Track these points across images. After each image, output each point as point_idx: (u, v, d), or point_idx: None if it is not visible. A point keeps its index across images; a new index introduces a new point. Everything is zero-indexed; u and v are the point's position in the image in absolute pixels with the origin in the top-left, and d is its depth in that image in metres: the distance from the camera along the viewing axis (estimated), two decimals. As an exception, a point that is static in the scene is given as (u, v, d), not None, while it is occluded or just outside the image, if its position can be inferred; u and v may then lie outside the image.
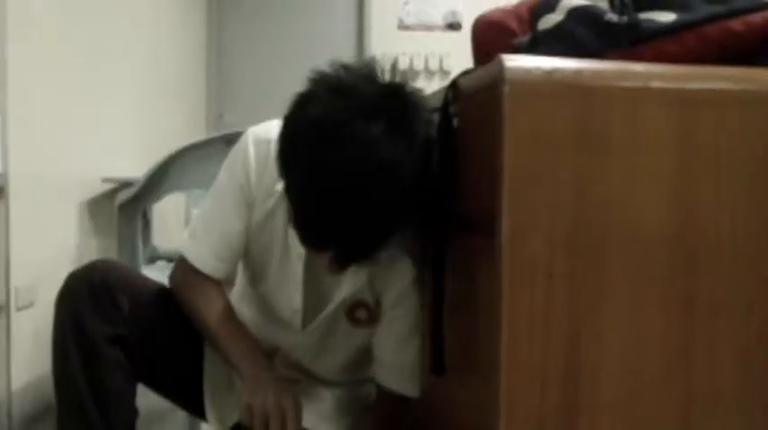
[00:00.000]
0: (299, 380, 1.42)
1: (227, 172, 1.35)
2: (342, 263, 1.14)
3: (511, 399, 0.90)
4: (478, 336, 0.99)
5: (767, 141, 0.93)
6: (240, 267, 1.46)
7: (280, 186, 1.21)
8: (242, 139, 1.33)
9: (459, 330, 1.06)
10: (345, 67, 1.10)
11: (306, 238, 1.12)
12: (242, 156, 1.31)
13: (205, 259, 1.37)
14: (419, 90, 1.12)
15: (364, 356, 1.40)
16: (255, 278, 1.41)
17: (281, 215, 1.30)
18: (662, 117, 0.91)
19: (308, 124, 1.06)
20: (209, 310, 1.36)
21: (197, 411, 1.48)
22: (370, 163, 1.02)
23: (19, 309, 2.51)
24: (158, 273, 2.64)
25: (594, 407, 0.92)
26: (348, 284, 1.29)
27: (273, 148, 1.19)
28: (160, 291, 1.42)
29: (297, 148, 1.08)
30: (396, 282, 1.28)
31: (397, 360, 1.34)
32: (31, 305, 2.58)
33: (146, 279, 1.45)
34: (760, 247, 0.93)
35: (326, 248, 1.11)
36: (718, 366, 0.94)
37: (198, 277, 1.37)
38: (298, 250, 1.28)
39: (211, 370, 1.44)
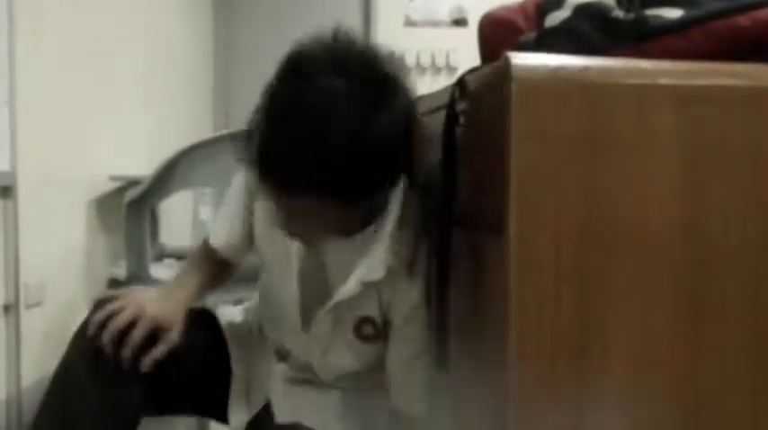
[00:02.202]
0: (312, 380, 1.43)
1: (240, 177, 1.40)
2: (284, 206, 1.16)
3: (520, 393, 0.90)
4: (486, 334, 0.99)
5: (775, 137, 0.93)
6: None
7: None
8: None
9: (465, 328, 1.06)
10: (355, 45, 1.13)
11: (260, 175, 1.13)
12: None
13: (216, 232, 1.46)
14: (411, 87, 1.14)
15: (373, 367, 1.41)
16: (265, 276, 1.44)
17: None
18: (669, 113, 0.91)
19: (291, 61, 1.11)
20: (191, 261, 1.49)
21: (217, 415, 1.49)
22: (332, 105, 1.05)
23: (28, 307, 2.52)
24: (166, 271, 2.65)
25: (602, 405, 0.92)
26: (350, 283, 1.29)
27: None
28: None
29: (274, 76, 1.13)
30: (403, 304, 1.28)
31: (404, 379, 1.34)
32: (40, 303, 2.59)
33: None
34: (767, 244, 0.93)
35: (264, 171, 1.12)
36: (726, 362, 0.94)
37: (206, 246, 1.47)
38: (294, 246, 1.29)
39: (239, 370, 1.46)
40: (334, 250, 1.29)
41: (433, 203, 1.15)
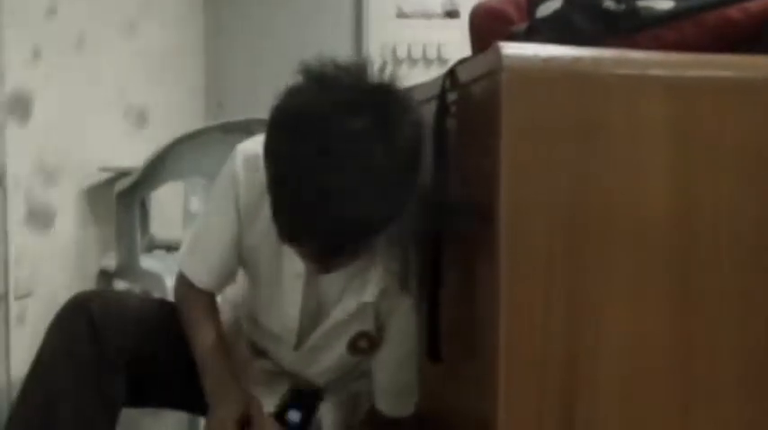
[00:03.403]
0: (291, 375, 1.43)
1: (218, 190, 1.34)
2: (319, 259, 1.13)
3: (509, 387, 0.90)
4: (477, 325, 0.99)
5: (765, 128, 0.93)
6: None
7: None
8: (232, 156, 1.32)
9: (456, 318, 1.06)
10: (335, 63, 1.08)
11: (280, 230, 1.10)
12: (231, 172, 1.30)
13: (199, 275, 1.38)
14: (408, 90, 1.10)
15: (357, 369, 1.41)
16: (252, 293, 1.42)
17: (274, 237, 1.29)
18: (660, 104, 0.91)
19: (288, 114, 1.06)
20: (197, 333, 1.38)
21: (204, 411, 1.49)
22: (347, 158, 1.01)
23: (18, 298, 2.51)
24: (156, 262, 2.64)
25: (594, 396, 0.92)
26: (346, 304, 1.28)
27: (263, 163, 1.20)
28: (156, 308, 1.44)
29: (276, 138, 1.07)
30: (397, 311, 1.29)
31: (394, 381, 1.34)
32: (29, 294, 2.58)
33: (141, 301, 1.46)
34: (760, 236, 0.93)
35: (300, 241, 1.10)
36: (717, 355, 0.94)
37: (193, 291, 1.39)
38: (296, 270, 1.27)
39: None
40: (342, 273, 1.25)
41: (424, 195, 1.15)
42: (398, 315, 1.29)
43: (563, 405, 0.92)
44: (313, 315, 1.33)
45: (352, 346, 1.33)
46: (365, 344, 1.33)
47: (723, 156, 0.92)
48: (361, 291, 1.25)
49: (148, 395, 1.41)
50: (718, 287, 0.93)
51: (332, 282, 1.28)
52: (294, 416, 1.30)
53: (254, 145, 1.29)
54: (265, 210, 1.24)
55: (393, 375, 1.35)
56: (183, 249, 1.45)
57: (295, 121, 1.04)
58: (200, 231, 1.40)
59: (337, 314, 1.28)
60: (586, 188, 0.90)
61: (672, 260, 0.92)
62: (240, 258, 1.35)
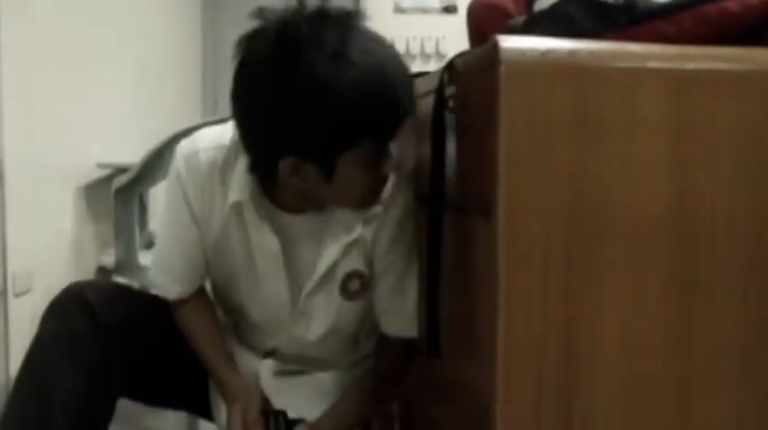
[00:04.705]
0: (302, 370, 1.43)
1: (168, 197, 1.35)
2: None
3: (507, 381, 0.90)
4: (475, 318, 0.99)
5: (764, 120, 0.92)
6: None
7: (232, 196, 1.25)
8: (173, 160, 1.33)
9: (455, 312, 1.06)
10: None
11: (375, 126, 1.09)
12: (175, 176, 1.31)
13: (168, 288, 1.40)
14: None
15: (360, 331, 1.40)
16: (226, 291, 1.42)
17: (235, 227, 1.29)
18: (658, 97, 0.91)
19: (282, 39, 1.08)
20: (199, 346, 1.41)
21: (203, 412, 1.49)
22: (364, 41, 1.09)
23: (16, 295, 2.51)
24: (155, 258, 2.64)
25: (591, 390, 0.92)
26: (329, 253, 1.29)
27: (204, 156, 1.25)
28: (153, 302, 1.43)
29: (290, 64, 1.07)
30: (384, 231, 1.28)
31: (394, 304, 1.33)
32: (28, 291, 2.58)
33: (138, 293, 1.47)
34: (757, 230, 0.93)
35: (402, 113, 1.11)
36: (715, 349, 0.94)
37: (180, 305, 1.41)
38: (271, 249, 1.28)
39: None
40: (297, 230, 1.29)
41: (422, 188, 1.15)
42: (385, 240, 1.29)
43: (561, 398, 0.92)
44: (298, 280, 1.33)
45: (345, 290, 1.33)
46: (357, 285, 1.33)
47: (722, 150, 0.92)
48: (342, 234, 1.26)
49: (147, 386, 1.41)
50: (717, 282, 0.93)
51: (305, 242, 1.29)
52: None
53: (191, 143, 1.30)
54: (219, 202, 1.27)
55: (390, 301, 1.34)
56: (151, 266, 1.46)
57: (293, 40, 1.06)
58: (160, 245, 1.43)
59: (324, 262, 1.29)
60: (584, 181, 0.90)
61: (670, 253, 0.92)
62: (208, 255, 1.35)
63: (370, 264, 1.31)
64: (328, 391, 1.41)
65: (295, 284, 1.33)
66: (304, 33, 1.05)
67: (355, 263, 1.30)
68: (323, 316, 1.35)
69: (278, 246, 1.28)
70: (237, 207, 1.26)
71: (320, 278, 1.30)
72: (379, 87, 1.06)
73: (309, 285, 1.31)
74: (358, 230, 1.26)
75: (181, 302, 1.41)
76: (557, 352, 0.91)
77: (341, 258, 1.29)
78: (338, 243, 1.27)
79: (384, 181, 1.19)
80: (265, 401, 1.37)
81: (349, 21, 1.09)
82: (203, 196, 1.29)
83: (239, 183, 1.24)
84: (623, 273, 0.92)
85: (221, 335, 1.44)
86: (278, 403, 1.38)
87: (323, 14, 1.08)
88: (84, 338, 1.29)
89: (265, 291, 1.34)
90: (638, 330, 0.92)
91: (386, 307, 1.34)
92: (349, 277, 1.32)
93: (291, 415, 1.35)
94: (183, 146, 1.33)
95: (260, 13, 1.11)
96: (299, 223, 1.28)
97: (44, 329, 1.31)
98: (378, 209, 1.25)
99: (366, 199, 1.21)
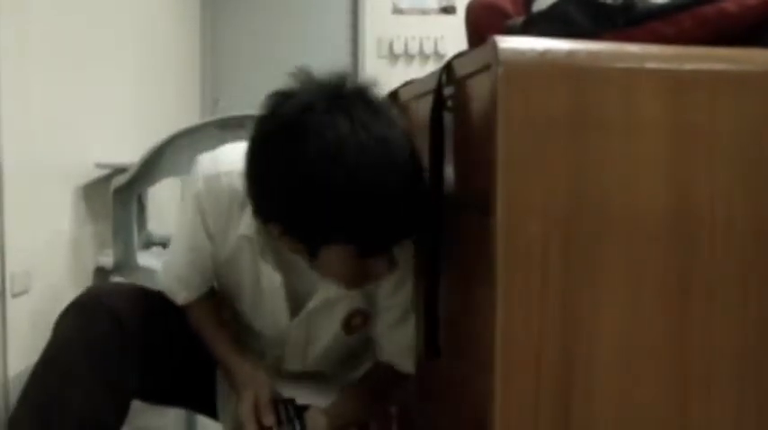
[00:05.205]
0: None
1: (185, 210, 1.36)
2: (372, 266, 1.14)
3: (505, 382, 0.90)
4: (473, 318, 0.99)
5: (762, 121, 0.92)
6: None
7: (242, 228, 1.26)
8: (192, 178, 1.33)
9: (453, 311, 1.06)
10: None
11: (359, 234, 1.08)
12: (195, 194, 1.32)
13: (177, 294, 1.43)
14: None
15: (357, 352, 1.42)
16: (232, 297, 1.44)
17: (247, 251, 1.31)
18: (657, 98, 0.91)
19: (294, 123, 1.06)
20: (212, 343, 1.44)
21: (208, 411, 1.50)
22: (379, 156, 1.03)
23: (14, 296, 2.51)
24: (153, 259, 2.64)
25: (590, 390, 0.92)
26: (322, 291, 1.30)
27: (225, 181, 1.25)
28: (168, 303, 1.46)
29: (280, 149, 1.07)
30: (387, 282, 1.29)
31: (393, 341, 1.35)
32: (26, 291, 2.57)
33: (154, 295, 1.49)
34: (756, 230, 0.93)
35: (379, 239, 1.10)
36: (713, 349, 0.94)
37: (189, 308, 1.45)
38: (274, 283, 1.30)
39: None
40: (299, 265, 1.27)
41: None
42: (389, 282, 1.29)
43: (559, 398, 0.91)
44: (299, 310, 1.35)
45: (347, 325, 1.34)
46: (359, 321, 1.34)
47: (720, 150, 0.92)
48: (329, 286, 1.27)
49: (160, 387, 1.43)
50: (716, 281, 0.93)
51: (305, 277, 1.29)
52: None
53: (212, 164, 1.30)
54: (235, 227, 1.29)
55: (387, 338, 1.36)
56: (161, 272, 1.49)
57: (303, 126, 1.04)
58: (172, 252, 1.45)
59: (313, 302, 1.31)
60: (583, 181, 0.90)
61: (668, 253, 0.92)
62: (218, 268, 1.38)
63: (372, 299, 1.32)
64: (332, 387, 1.43)
65: (295, 312, 1.35)
66: (315, 121, 1.04)
67: (358, 302, 1.32)
68: (317, 342, 1.39)
69: (280, 281, 1.30)
70: (247, 238, 1.28)
71: (314, 310, 1.33)
72: (362, 201, 1.03)
73: (302, 314, 1.35)
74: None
75: (189, 305, 1.44)
76: (555, 351, 0.91)
77: (336, 296, 1.30)
78: (323, 295, 1.30)
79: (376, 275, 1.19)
80: (274, 391, 1.37)
81: (362, 101, 1.08)
82: (220, 218, 1.31)
83: (250, 216, 1.24)
84: (622, 272, 0.91)
85: (230, 330, 1.46)
86: (286, 393, 1.39)
87: (338, 97, 1.07)
88: (102, 341, 1.30)
89: (268, 312, 1.37)
90: (637, 330, 0.92)
91: (384, 343, 1.37)
92: (351, 316, 1.34)
93: (300, 402, 1.35)
94: (205, 165, 1.32)
95: (300, 74, 1.11)
96: (299, 259, 1.26)
97: (61, 328, 1.33)
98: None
99: (354, 282, 1.21)
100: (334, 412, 1.35)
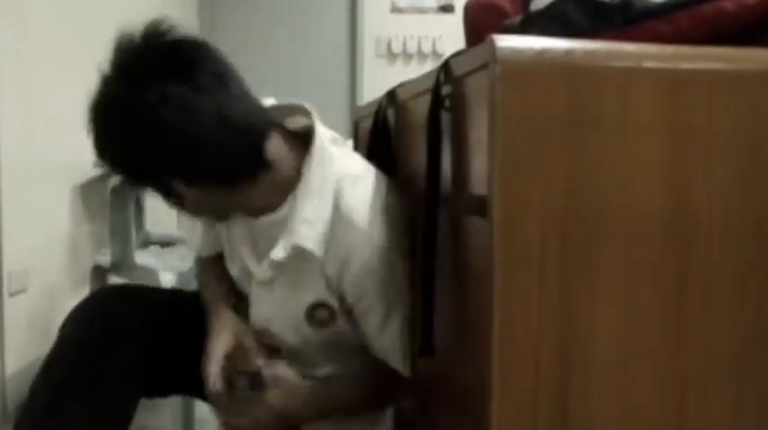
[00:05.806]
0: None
1: None
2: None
3: (503, 382, 0.90)
4: (471, 318, 0.99)
5: (760, 121, 0.92)
6: None
7: None
8: None
9: (451, 311, 1.06)
10: None
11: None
12: None
13: (199, 250, 1.63)
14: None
15: (341, 347, 1.42)
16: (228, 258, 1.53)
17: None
18: (654, 97, 0.90)
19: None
20: (205, 287, 1.55)
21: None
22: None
23: (12, 295, 2.51)
24: (151, 258, 2.64)
25: (587, 390, 0.92)
26: (277, 251, 1.33)
27: None
28: (171, 300, 1.55)
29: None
30: (348, 272, 1.29)
31: (381, 343, 1.35)
32: (23, 290, 2.57)
33: (157, 293, 1.61)
34: (753, 230, 0.93)
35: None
36: (711, 349, 0.94)
37: (203, 261, 1.61)
38: (241, 248, 1.41)
39: None
40: (262, 227, 1.36)
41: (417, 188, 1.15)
42: (352, 272, 1.30)
43: (557, 398, 0.91)
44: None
45: (311, 317, 1.34)
46: (325, 315, 1.34)
47: (717, 149, 0.92)
48: (289, 239, 1.30)
49: (165, 385, 1.48)
50: (713, 281, 0.93)
51: (267, 238, 1.36)
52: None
53: None
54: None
55: (378, 338, 1.36)
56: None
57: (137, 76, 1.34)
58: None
59: (272, 256, 1.33)
60: (580, 180, 0.90)
61: (666, 255, 0.92)
62: (222, 236, 1.50)
63: (338, 296, 1.33)
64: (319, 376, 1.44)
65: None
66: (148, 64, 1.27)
67: (318, 292, 1.32)
68: (277, 320, 1.41)
69: (248, 243, 1.41)
70: None
71: (267, 278, 1.37)
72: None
73: (255, 280, 1.40)
74: (302, 234, 1.29)
75: (203, 259, 1.61)
76: (552, 351, 0.91)
77: (295, 272, 1.32)
78: (284, 245, 1.32)
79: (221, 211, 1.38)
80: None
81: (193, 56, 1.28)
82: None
83: None
84: (619, 272, 0.91)
85: (227, 286, 1.52)
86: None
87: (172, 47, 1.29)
88: (103, 344, 1.33)
89: (244, 280, 1.45)
90: (634, 330, 0.92)
91: (374, 343, 1.37)
92: (315, 307, 1.34)
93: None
94: None
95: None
96: (255, 225, 1.38)
97: (68, 329, 1.36)
98: (282, 213, 1.32)
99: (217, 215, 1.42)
100: (300, 390, 1.38)
